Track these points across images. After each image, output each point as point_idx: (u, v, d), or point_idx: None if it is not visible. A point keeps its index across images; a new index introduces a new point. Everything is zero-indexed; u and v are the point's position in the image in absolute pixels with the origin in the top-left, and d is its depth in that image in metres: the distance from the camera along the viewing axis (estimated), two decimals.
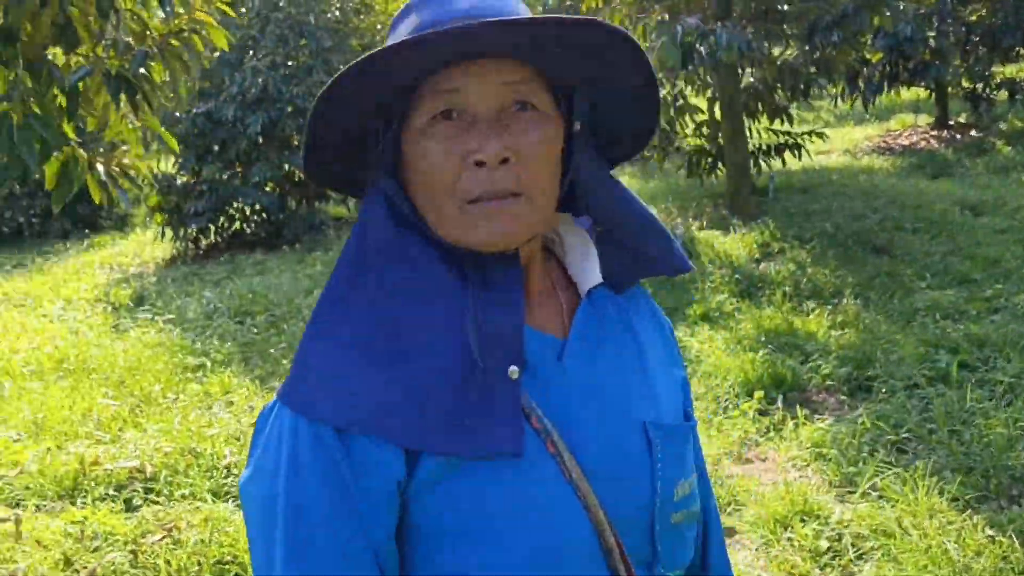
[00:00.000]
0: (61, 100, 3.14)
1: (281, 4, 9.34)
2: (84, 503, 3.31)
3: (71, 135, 3.31)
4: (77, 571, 2.82)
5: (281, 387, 0.86)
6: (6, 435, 3.96)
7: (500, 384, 0.85)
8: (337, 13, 9.41)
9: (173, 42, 3.07)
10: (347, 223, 10.19)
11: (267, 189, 9.56)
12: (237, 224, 9.66)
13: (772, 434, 4.08)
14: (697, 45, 6.64)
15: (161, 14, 3.32)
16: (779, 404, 4.29)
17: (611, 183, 0.98)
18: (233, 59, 9.05)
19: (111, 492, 3.39)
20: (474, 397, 0.84)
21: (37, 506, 3.30)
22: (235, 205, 9.45)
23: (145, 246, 10.16)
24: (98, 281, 8.51)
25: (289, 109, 8.90)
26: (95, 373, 5.09)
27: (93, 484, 3.45)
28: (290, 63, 9.11)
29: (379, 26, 10.31)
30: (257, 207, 9.52)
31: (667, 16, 7.95)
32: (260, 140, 9.18)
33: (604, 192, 0.98)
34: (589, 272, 0.99)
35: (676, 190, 9.55)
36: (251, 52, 8.96)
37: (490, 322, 0.86)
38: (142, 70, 3.23)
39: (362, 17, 9.86)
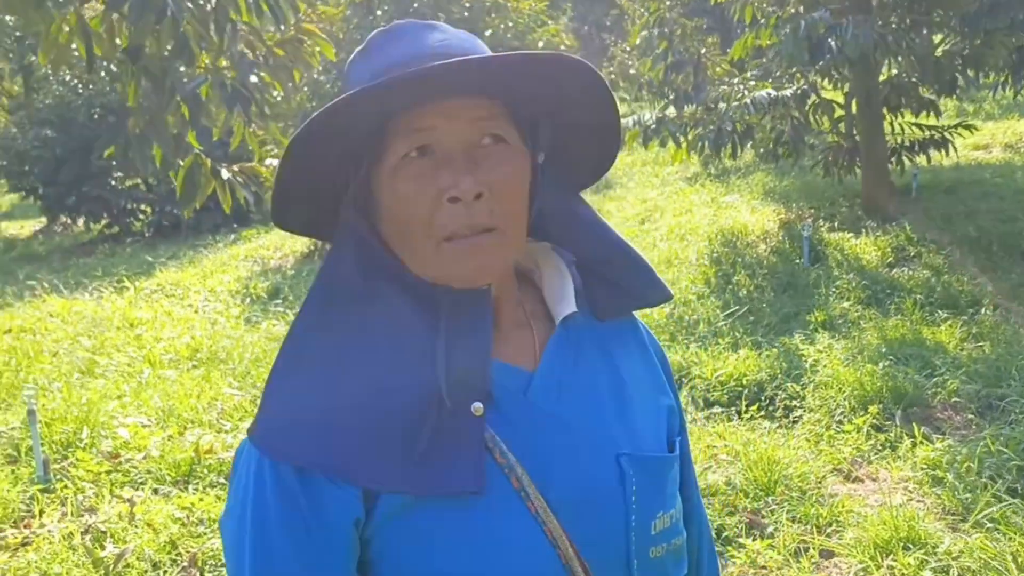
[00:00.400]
0: (185, 111, 3.35)
1: (415, 6, 9.57)
2: (195, 489, 3.53)
3: (195, 144, 3.53)
4: (180, 555, 3.01)
5: (250, 425, 0.88)
6: (138, 420, 4.26)
7: (464, 420, 0.86)
8: (467, 13, 9.54)
9: (278, 51, 3.22)
10: None
11: None
12: None
13: (886, 452, 3.87)
14: (828, 39, 6.35)
15: (271, 28, 3.49)
16: (896, 420, 4.07)
17: (582, 210, 1.00)
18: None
19: (221, 480, 3.59)
20: (436, 434, 0.85)
21: (154, 490, 3.55)
22: None
23: (285, 240, 10.67)
24: (240, 274, 9.01)
25: None
26: (224, 364, 5.41)
27: (206, 471, 3.67)
28: None
29: (510, 23, 10.40)
30: None
31: (802, 8, 7.65)
32: None
33: (574, 220, 0.99)
34: (564, 301, 0.98)
35: (810, 189, 9.17)
36: None
37: (458, 358, 0.87)
38: (253, 79, 3.39)
39: (493, 16, 9.97)
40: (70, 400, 4.44)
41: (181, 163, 3.30)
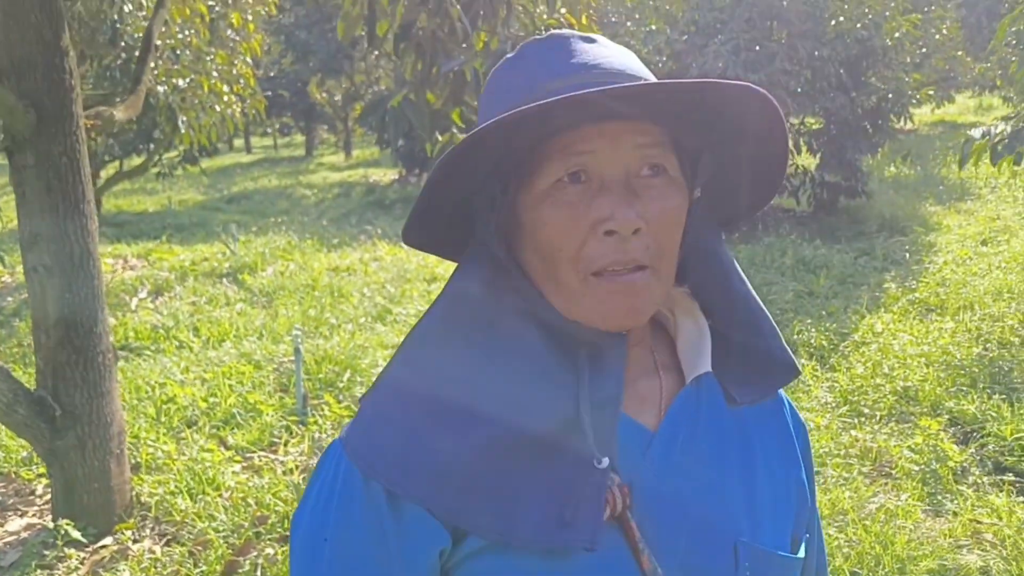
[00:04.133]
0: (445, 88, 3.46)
1: None
2: None
3: (457, 121, 3.64)
4: None
5: (347, 427, 0.84)
6: None
7: (587, 472, 0.79)
8: None
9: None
10: (793, 216, 9.72)
11: None
12: None
13: None
14: None
15: (543, 7, 3.48)
16: None
17: (722, 254, 0.92)
18: (699, 43, 9.10)
19: None
20: (556, 483, 0.78)
21: None
22: None
23: None
24: None
25: None
26: None
27: None
28: (757, 48, 8.87)
29: (866, 10, 9.51)
30: None
31: None
32: None
33: (715, 265, 0.91)
34: (700, 357, 0.90)
35: None
36: (718, 37, 8.90)
37: (591, 407, 0.81)
38: None
39: (842, 2, 9.18)
40: (346, 343, 4.86)
41: (439, 138, 3.42)
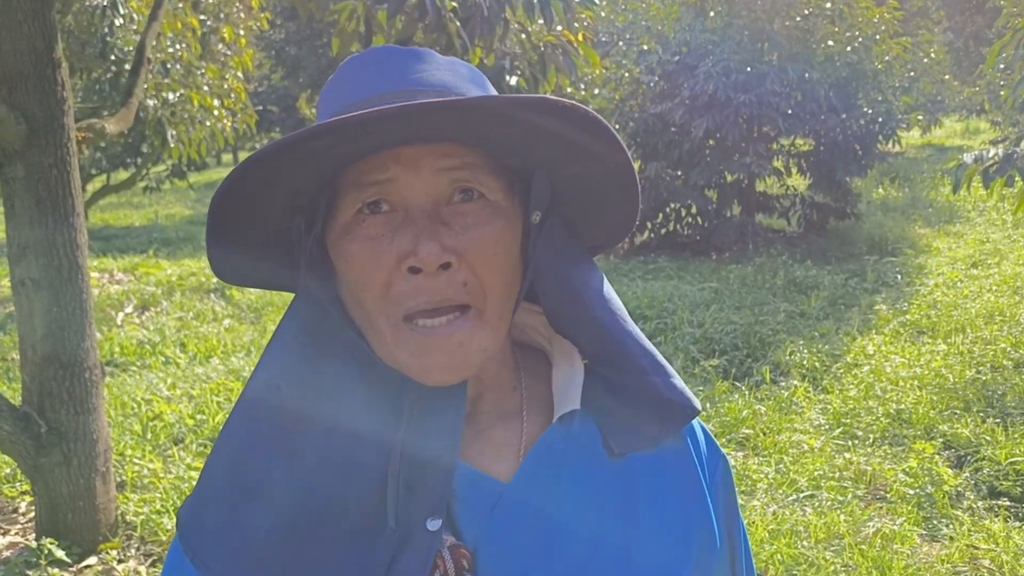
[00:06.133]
0: None
1: (746, 13, 9.17)
2: None
3: None
4: None
5: (183, 505, 0.76)
6: None
7: (415, 536, 0.71)
8: (799, 20, 8.95)
9: (533, 56, 3.19)
10: (783, 237, 9.75)
11: (707, 194, 9.56)
12: (672, 224, 9.80)
13: None
14: None
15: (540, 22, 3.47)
16: None
17: (580, 283, 0.80)
18: (691, 64, 9.14)
19: None
20: (368, 553, 0.71)
21: None
22: (672, 205, 9.60)
23: None
24: None
25: (734, 117, 8.75)
26: None
27: None
28: (748, 69, 8.92)
29: (856, 33, 9.59)
30: (693, 209, 9.57)
31: None
32: (706, 144, 9.20)
33: (570, 294, 0.80)
34: (568, 393, 0.80)
35: None
36: (709, 58, 8.95)
37: (418, 461, 0.72)
38: (512, 80, 3.39)
39: (835, 26, 9.25)
40: None
41: None
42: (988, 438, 4.31)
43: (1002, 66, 9.95)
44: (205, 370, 5.57)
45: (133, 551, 3.39)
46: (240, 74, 9.04)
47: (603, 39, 12.08)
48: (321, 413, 0.73)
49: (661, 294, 7.05)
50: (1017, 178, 6.01)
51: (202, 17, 7.74)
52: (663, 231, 9.78)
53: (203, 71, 8.19)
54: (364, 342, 0.74)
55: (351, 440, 0.73)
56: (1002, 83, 10.52)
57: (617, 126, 9.89)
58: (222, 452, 0.75)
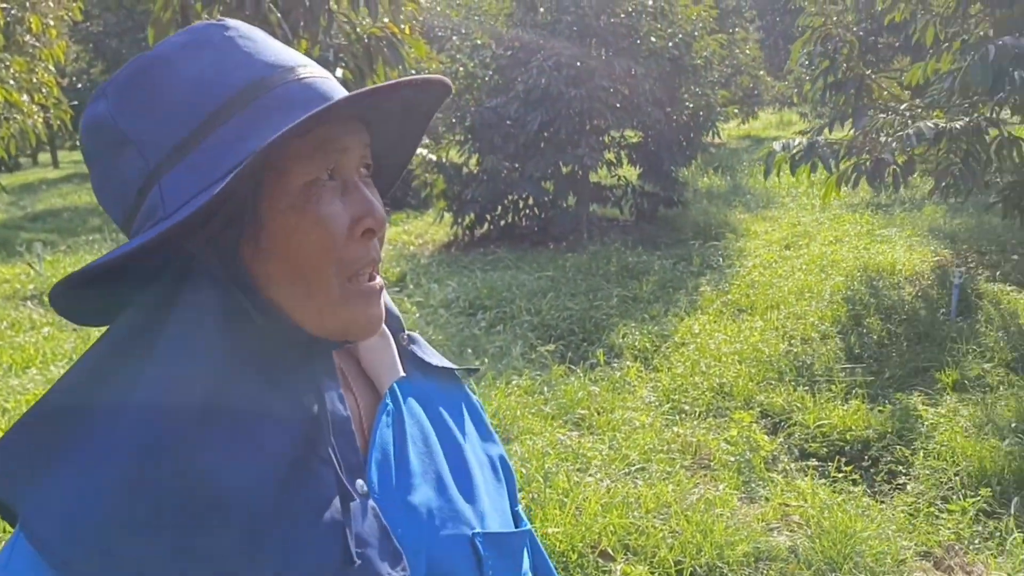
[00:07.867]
0: None
1: (578, 5, 9.44)
2: None
3: None
4: None
5: (24, 522, 0.67)
6: None
7: (359, 500, 0.75)
8: (623, 16, 9.31)
9: (357, 48, 3.18)
10: (617, 226, 10.13)
11: (543, 186, 9.78)
12: (510, 216, 9.98)
13: (991, 543, 3.40)
14: (1011, 69, 5.70)
15: (368, 20, 3.46)
16: (1012, 508, 3.58)
17: None
18: (523, 58, 9.33)
19: None
20: (344, 521, 0.72)
21: None
22: (510, 197, 9.77)
23: (428, 228, 10.84)
24: None
25: (567, 111, 9.00)
26: None
27: None
28: (579, 64, 9.19)
29: (678, 29, 10.06)
30: (530, 201, 9.78)
31: (991, 32, 6.93)
32: (541, 137, 9.41)
33: None
34: (388, 364, 0.87)
35: (983, 231, 8.34)
36: (540, 53, 9.16)
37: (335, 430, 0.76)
38: (339, 72, 3.37)
39: (655, 22, 9.67)
40: None
41: None
42: (799, 405, 4.67)
43: (806, 62, 10.71)
44: (21, 381, 5.23)
45: None
46: (52, 67, 8.48)
47: (439, 33, 12.13)
48: (263, 401, 0.71)
49: (500, 284, 7.18)
50: (820, 167, 6.53)
51: (4, 6, 7.20)
52: (502, 223, 9.94)
53: (8, 64, 7.63)
54: (284, 315, 0.75)
55: (290, 420, 0.72)
56: (806, 77, 11.34)
57: (454, 119, 9.97)
58: (112, 472, 0.66)
